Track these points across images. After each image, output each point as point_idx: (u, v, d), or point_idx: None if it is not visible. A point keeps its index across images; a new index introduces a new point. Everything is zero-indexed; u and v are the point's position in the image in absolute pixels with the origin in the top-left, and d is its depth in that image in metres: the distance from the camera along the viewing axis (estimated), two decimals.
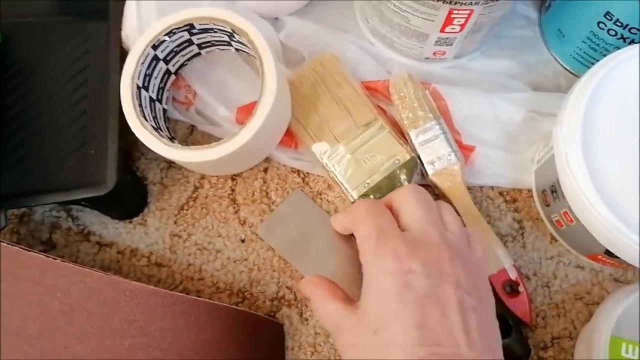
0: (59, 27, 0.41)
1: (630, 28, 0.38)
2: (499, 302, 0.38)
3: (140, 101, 0.37)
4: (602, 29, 0.40)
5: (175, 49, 0.40)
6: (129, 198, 0.40)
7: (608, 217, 0.32)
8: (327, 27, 0.45)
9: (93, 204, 0.38)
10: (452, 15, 0.37)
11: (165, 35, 0.37)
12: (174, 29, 0.37)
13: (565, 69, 0.46)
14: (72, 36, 0.41)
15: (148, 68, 0.38)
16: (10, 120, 0.38)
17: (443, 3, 0.36)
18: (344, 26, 0.46)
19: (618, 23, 0.39)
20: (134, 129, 0.36)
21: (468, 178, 0.41)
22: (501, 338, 0.29)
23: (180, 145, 0.36)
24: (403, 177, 0.39)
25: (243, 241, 0.40)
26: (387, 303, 0.26)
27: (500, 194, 0.42)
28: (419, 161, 0.40)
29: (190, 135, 0.42)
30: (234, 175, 0.42)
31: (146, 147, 0.41)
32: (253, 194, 0.41)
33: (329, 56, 0.42)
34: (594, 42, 0.42)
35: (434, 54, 0.43)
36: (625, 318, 0.35)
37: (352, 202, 0.40)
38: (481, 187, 0.42)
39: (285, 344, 0.38)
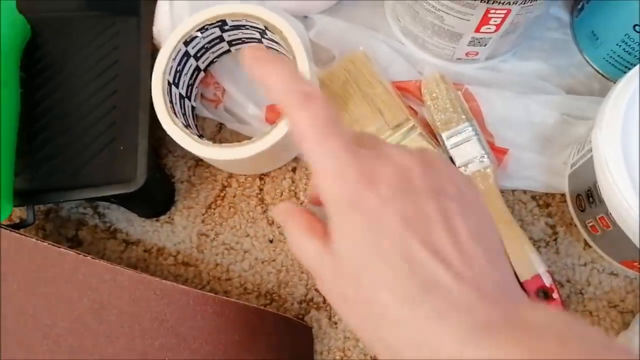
0: (88, 23, 0.41)
1: None
2: None
3: (171, 97, 0.37)
4: (638, 32, 0.39)
5: (206, 45, 0.39)
6: (157, 196, 0.39)
7: None
8: (357, 25, 0.45)
9: (121, 200, 0.38)
10: (489, 15, 0.37)
11: (197, 31, 0.37)
12: (206, 25, 0.37)
13: (598, 72, 0.45)
14: (101, 31, 0.41)
15: (179, 64, 0.38)
16: (39, 115, 0.38)
17: (481, 2, 0.35)
18: (373, 25, 0.45)
19: None
20: (164, 125, 0.36)
21: (500, 181, 0.40)
22: None
23: (210, 142, 0.35)
24: None
25: (271, 241, 0.39)
26: (360, 241, 0.21)
27: (533, 198, 0.41)
28: (451, 163, 0.39)
29: (218, 133, 0.42)
30: (262, 174, 0.41)
31: (174, 144, 0.41)
32: (281, 194, 0.40)
33: (361, 55, 0.41)
34: (629, 45, 0.41)
35: (467, 54, 0.42)
36: None
37: None
38: (513, 191, 0.41)
39: (314, 348, 0.37)
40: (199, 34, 0.37)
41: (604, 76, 0.45)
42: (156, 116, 0.37)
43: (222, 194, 0.40)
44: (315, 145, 0.22)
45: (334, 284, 0.22)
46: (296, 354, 0.36)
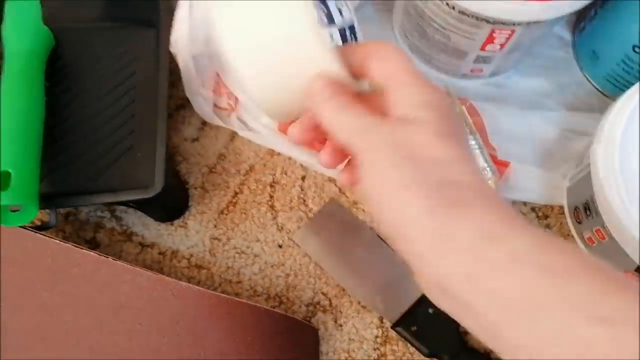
0: (109, 33, 0.43)
1: None
2: None
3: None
4: (637, 53, 0.41)
5: None
6: (172, 201, 0.41)
7: None
8: (366, 40, 0.46)
9: (139, 205, 0.39)
10: (494, 35, 0.38)
11: None
12: None
13: (598, 90, 0.47)
14: (121, 42, 0.43)
15: None
16: (62, 123, 0.39)
17: (486, 23, 0.37)
18: (381, 40, 0.47)
19: None
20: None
21: (502, 193, 0.42)
22: None
23: None
24: None
25: (280, 247, 0.41)
26: (444, 118, 0.22)
27: (533, 209, 0.43)
28: None
29: (231, 142, 0.44)
30: (273, 182, 0.43)
31: (189, 152, 0.42)
32: (291, 201, 0.42)
33: None
34: (629, 65, 0.43)
35: (471, 71, 0.44)
36: None
37: None
38: (514, 202, 0.43)
39: (320, 349, 0.38)
40: None
41: (603, 94, 0.46)
42: (171, 125, 0.39)
43: (234, 200, 0.42)
44: None
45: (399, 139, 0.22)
46: (303, 355, 0.37)
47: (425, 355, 0.38)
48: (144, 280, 0.33)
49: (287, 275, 0.40)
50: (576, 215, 0.41)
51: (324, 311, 0.39)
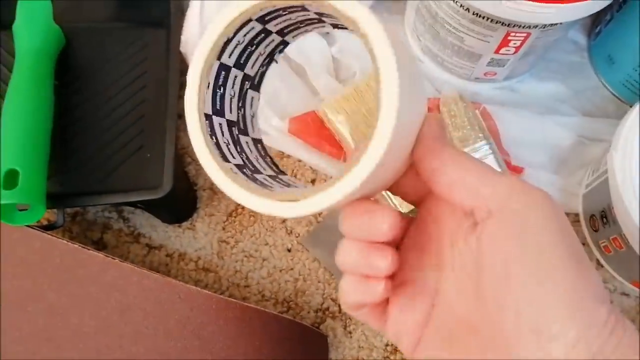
0: (120, 33, 0.43)
1: None
2: None
3: (213, 133, 0.24)
4: None
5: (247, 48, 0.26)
6: (181, 202, 0.40)
7: None
8: None
9: (147, 206, 0.39)
10: (509, 38, 0.38)
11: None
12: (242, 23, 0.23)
13: (614, 95, 0.46)
14: (131, 42, 0.42)
15: (216, 87, 0.25)
16: (71, 122, 0.39)
17: (501, 25, 0.36)
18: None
19: None
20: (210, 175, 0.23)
21: None
22: None
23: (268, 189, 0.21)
24: None
25: (289, 250, 0.40)
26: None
27: None
28: None
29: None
30: None
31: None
32: None
33: None
34: None
35: (485, 74, 0.43)
36: None
37: None
38: None
39: (329, 356, 0.38)
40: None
41: (619, 99, 0.46)
42: (181, 125, 0.38)
43: None
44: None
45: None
46: None
47: None
48: (151, 283, 0.33)
49: (296, 280, 0.40)
50: (592, 224, 0.40)
51: (333, 317, 0.39)
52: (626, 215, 0.34)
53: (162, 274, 0.38)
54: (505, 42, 0.38)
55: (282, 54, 0.27)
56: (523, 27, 0.36)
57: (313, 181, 0.42)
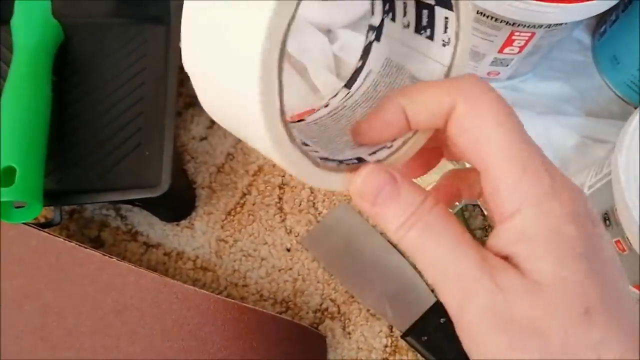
0: (119, 29, 0.42)
1: None
2: None
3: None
4: None
5: None
6: (179, 201, 0.40)
7: None
8: None
9: (145, 204, 0.38)
10: (513, 37, 0.37)
11: None
12: None
13: (618, 95, 0.45)
14: (131, 38, 0.42)
15: None
16: (68, 118, 0.39)
17: (506, 24, 0.36)
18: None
19: None
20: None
21: None
22: None
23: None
24: None
25: (288, 250, 0.40)
26: (591, 266, 0.16)
27: None
28: None
29: (239, 142, 0.43)
30: (282, 184, 0.42)
31: (197, 150, 0.42)
32: (300, 204, 0.41)
33: None
34: None
35: (488, 74, 0.43)
36: None
37: None
38: None
39: (328, 357, 0.37)
40: None
41: (623, 100, 0.45)
42: (180, 123, 0.38)
43: (241, 202, 0.41)
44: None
45: (530, 310, 0.16)
46: None
47: None
48: (148, 282, 0.33)
49: (295, 280, 0.39)
50: None
51: (332, 318, 0.38)
52: (629, 219, 0.34)
53: (160, 273, 0.38)
54: (509, 42, 0.38)
55: None
56: (527, 27, 0.36)
57: None
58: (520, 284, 0.16)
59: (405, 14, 0.22)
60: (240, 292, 0.39)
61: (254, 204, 0.41)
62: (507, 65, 0.41)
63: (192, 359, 0.31)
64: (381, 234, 0.41)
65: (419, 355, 0.37)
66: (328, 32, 0.46)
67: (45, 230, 0.35)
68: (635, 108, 0.44)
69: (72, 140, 0.38)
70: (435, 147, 0.22)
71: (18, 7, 0.39)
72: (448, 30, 0.21)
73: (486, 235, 0.41)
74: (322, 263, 0.40)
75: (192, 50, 0.18)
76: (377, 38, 0.24)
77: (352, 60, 0.44)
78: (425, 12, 0.21)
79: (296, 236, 0.40)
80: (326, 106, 0.24)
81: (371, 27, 0.24)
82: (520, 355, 0.16)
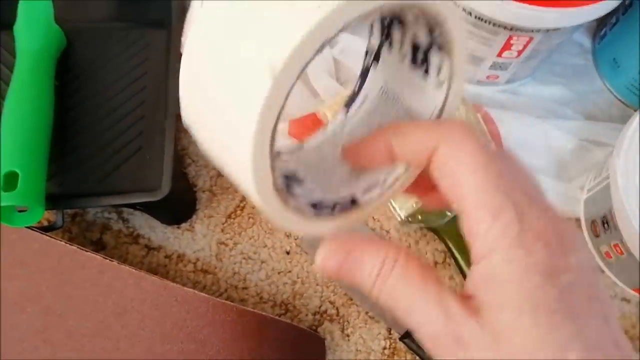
0: (121, 33, 0.43)
1: None
2: None
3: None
4: None
5: None
6: (180, 204, 0.40)
7: None
8: None
9: (145, 207, 0.39)
10: (511, 42, 0.37)
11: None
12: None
13: (618, 99, 0.45)
14: (132, 43, 0.42)
15: None
16: (70, 122, 0.39)
17: (503, 29, 0.36)
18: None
19: None
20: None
21: None
22: None
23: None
24: None
25: (288, 253, 0.40)
26: (555, 320, 0.17)
27: None
28: None
29: None
30: None
31: (197, 154, 0.42)
32: None
33: None
34: None
35: (487, 77, 0.43)
36: None
37: (399, 221, 0.40)
38: None
39: (326, 359, 0.38)
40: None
41: (623, 103, 0.45)
42: (181, 125, 0.38)
43: (242, 205, 0.42)
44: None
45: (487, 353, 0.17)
46: None
47: None
48: (149, 285, 0.33)
49: (294, 282, 0.40)
50: (593, 229, 0.40)
51: (331, 320, 0.39)
52: (628, 223, 0.34)
53: (161, 276, 0.39)
54: (507, 46, 0.38)
55: None
56: (525, 31, 0.36)
57: None
58: (481, 336, 0.17)
59: (402, 46, 0.22)
60: (240, 295, 0.39)
61: (254, 207, 0.41)
62: (506, 69, 0.41)
63: None
64: (380, 237, 0.41)
65: (417, 357, 0.37)
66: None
67: (47, 233, 0.35)
68: (635, 111, 0.44)
69: (73, 143, 0.38)
70: None
71: (21, 12, 0.39)
72: (441, 73, 0.21)
73: None
74: None
75: (192, 116, 0.19)
76: (376, 61, 0.23)
77: (351, 64, 0.45)
78: (421, 50, 0.21)
79: (295, 239, 0.41)
80: (325, 130, 0.25)
81: (369, 51, 0.24)
82: None
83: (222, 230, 0.41)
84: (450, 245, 0.39)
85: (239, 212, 0.41)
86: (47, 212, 0.35)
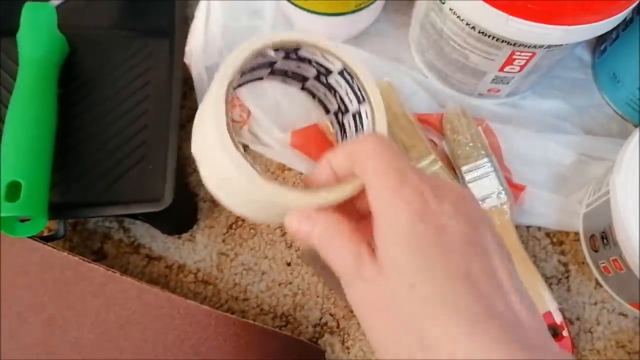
0: (124, 42, 0.43)
1: None
2: None
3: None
4: None
5: (254, 66, 0.34)
6: (182, 214, 0.40)
7: None
8: (381, 56, 0.46)
9: (147, 217, 0.39)
10: (514, 57, 0.38)
11: (273, 50, 0.31)
12: (282, 47, 0.31)
13: (618, 114, 0.46)
14: (135, 52, 0.42)
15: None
16: (73, 131, 0.39)
17: (507, 44, 0.36)
18: (397, 56, 0.47)
19: None
20: (228, 152, 0.27)
21: (516, 217, 0.41)
22: None
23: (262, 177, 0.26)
24: None
25: (289, 264, 0.40)
26: (422, 250, 0.21)
27: (547, 235, 0.42)
28: None
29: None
30: None
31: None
32: None
33: (386, 86, 0.43)
34: None
35: (488, 91, 0.43)
36: None
37: None
38: (528, 227, 0.42)
39: None
40: (272, 53, 0.31)
41: (623, 118, 0.46)
42: (183, 135, 0.38)
43: None
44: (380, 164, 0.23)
45: (374, 288, 0.22)
46: None
47: None
48: (151, 297, 0.33)
49: (295, 294, 0.40)
50: (592, 243, 0.40)
51: (332, 333, 0.39)
52: (627, 239, 0.34)
53: (161, 286, 0.39)
54: (509, 61, 0.38)
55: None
56: (528, 47, 0.36)
57: None
58: (372, 270, 0.22)
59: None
60: (241, 306, 0.39)
61: None
62: (508, 83, 0.42)
63: None
64: None
65: None
66: None
67: (49, 244, 0.35)
68: (635, 126, 0.44)
69: (76, 153, 0.38)
70: None
71: (24, 20, 0.39)
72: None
73: None
74: (322, 278, 0.40)
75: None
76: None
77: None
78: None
79: (296, 250, 0.41)
80: None
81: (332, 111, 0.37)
82: (388, 330, 0.22)
83: (223, 241, 0.41)
84: None
85: (240, 222, 0.41)
86: (48, 221, 0.35)
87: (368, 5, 0.42)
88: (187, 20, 0.44)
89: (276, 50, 0.33)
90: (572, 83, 0.47)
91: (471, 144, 0.41)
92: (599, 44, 0.47)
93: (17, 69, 0.38)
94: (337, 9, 0.42)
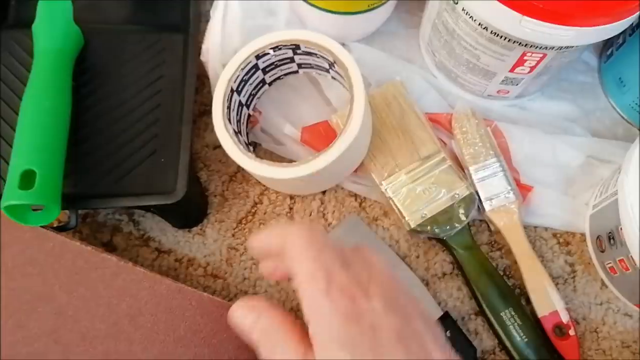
0: (138, 36, 0.43)
1: None
2: (548, 344, 0.38)
3: (230, 103, 0.39)
4: None
5: (276, 62, 0.42)
6: (192, 208, 0.41)
7: None
8: (392, 56, 0.46)
9: (158, 210, 0.39)
10: (525, 58, 0.38)
11: (271, 48, 0.40)
12: (280, 45, 0.39)
13: (623, 117, 0.46)
14: (148, 46, 0.42)
15: (246, 74, 0.40)
16: (85, 124, 0.39)
17: (518, 45, 0.37)
18: (407, 56, 0.47)
19: None
20: (217, 128, 0.38)
21: (523, 217, 0.42)
22: None
23: (253, 155, 0.37)
24: (461, 211, 0.40)
25: None
26: (356, 351, 0.23)
27: (554, 235, 0.42)
28: (477, 197, 0.41)
29: (253, 152, 0.43)
30: (292, 194, 0.42)
31: (210, 159, 0.42)
32: (310, 214, 0.42)
33: (398, 84, 0.43)
34: None
35: (498, 92, 0.44)
36: None
37: (408, 231, 0.40)
38: (535, 227, 0.42)
39: None
40: (271, 51, 0.40)
41: (628, 122, 0.46)
42: (194, 131, 0.38)
43: (253, 210, 0.42)
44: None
45: None
46: None
47: None
48: (163, 288, 0.33)
49: None
50: (599, 244, 0.40)
51: None
52: (635, 239, 0.34)
53: (174, 280, 0.39)
54: (520, 62, 0.39)
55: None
56: (539, 48, 0.37)
57: (324, 191, 0.43)
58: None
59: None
60: None
61: (265, 213, 0.42)
62: (517, 84, 0.42)
63: None
64: (390, 246, 0.41)
65: None
66: (342, 45, 0.47)
67: (61, 233, 0.35)
68: None
69: (89, 144, 0.38)
70: None
71: (40, 12, 0.39)
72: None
73: (492, 250, 0.42)
74: None
75: None
76: None
77: (366, 73, 0.45)
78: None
79: None
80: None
81: None
82: None
83: (233, 235, 0.41)
84: (458, 256, 0.40)
85: (250, 217, 0.42)
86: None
87: (380, 5, 0.42)
88: (201, 16, 0.44)
89: (277, 48, 0.40)
90: (579, 86, 0.47)
91: (480, 144, 0.42)
92: (606, 48, 0.48)
93: (31, 60, 0.38)
94: (350, 8, 0.42)
